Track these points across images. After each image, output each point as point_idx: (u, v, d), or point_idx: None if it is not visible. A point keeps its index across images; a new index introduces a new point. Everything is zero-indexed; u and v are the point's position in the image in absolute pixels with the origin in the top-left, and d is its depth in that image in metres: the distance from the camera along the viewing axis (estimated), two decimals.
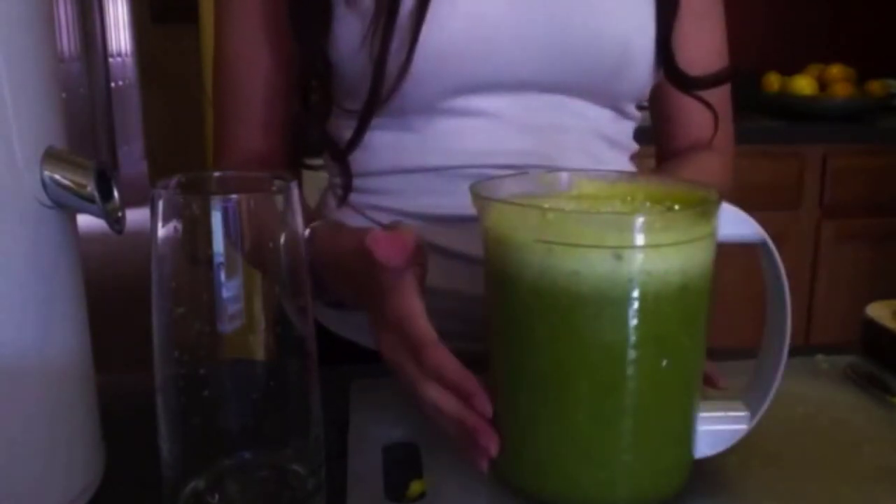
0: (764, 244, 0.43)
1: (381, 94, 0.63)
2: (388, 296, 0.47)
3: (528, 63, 0.65)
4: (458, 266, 0.66)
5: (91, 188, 0.41)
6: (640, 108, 0.75)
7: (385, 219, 0.69)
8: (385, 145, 0.69)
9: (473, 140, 0.67)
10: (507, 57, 0.65)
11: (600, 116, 0.70)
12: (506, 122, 0.67)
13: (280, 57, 0.71)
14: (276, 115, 0.73)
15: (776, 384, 0.44)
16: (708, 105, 0.74)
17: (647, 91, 0.72)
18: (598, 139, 0.71)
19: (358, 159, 0.70)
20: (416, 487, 0.45)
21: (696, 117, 0.76)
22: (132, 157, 6.28)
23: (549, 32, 0.64)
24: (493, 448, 0.43)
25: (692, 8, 0.71)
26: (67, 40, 5.74)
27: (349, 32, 0.64)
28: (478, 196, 0.43)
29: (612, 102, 0.71)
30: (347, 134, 0.68)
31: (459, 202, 0.44)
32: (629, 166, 0.76)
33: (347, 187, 0.71)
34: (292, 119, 0.72)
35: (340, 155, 0.69)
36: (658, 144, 0.81)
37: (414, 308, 0.46)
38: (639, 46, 0.67)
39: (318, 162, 0.77)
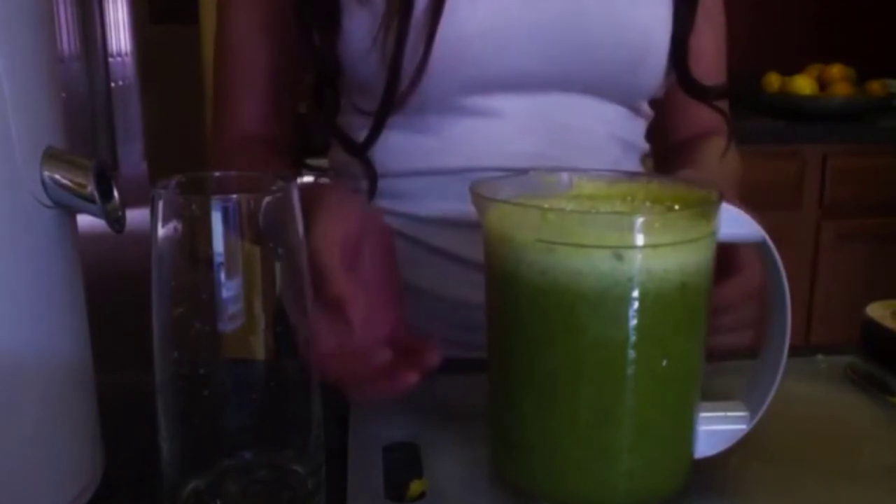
0: (764, 244, 0.43)
1: (396, 94, 0.62)
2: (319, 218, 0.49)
3: (546, 56, 0.64)
4: (473, 275, 0.65)
5: (91, 188, 0.41)
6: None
7: (398, 224, 0.67)
8: (399, 146, 0.67)
9: (489, 142, 0.66)
10: (525, 50, 0.64)
11: (616, 116, 0.70)
12: (522, 123, 0.66)
13: (285, 42, 0.70)
14: (278, 99, 0.72)
15: (776, 384, 0.44)
16: (719, 110, 0.72)
17: (661, 88, 0.71)
18: (613, 141, 0.70)
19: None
20: (416, 487, 0.45)
21: (705, 112, 0.74)
22: (132, 157, 6.28)
23: (566, 23, 0.64)
24: (412, 376, 0.44)
25: (703, 6, 0.70)
26: (67, 40, 5.74)
27: (360, 30, 0.63)
28: (478, 196, 0.43)
29: (628, 99, 0.70)
30: (362, 135, 0.66)
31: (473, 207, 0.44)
32: (640, 168, 0.75)
33: (373, 189, 0.68)
34: (301, 116, 0.72)
35: (357, 150, 0.67)
36: (657, 134, 0.79)
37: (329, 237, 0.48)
38: (658, 37, 0.66)
39: (320, 162, 0.76)
